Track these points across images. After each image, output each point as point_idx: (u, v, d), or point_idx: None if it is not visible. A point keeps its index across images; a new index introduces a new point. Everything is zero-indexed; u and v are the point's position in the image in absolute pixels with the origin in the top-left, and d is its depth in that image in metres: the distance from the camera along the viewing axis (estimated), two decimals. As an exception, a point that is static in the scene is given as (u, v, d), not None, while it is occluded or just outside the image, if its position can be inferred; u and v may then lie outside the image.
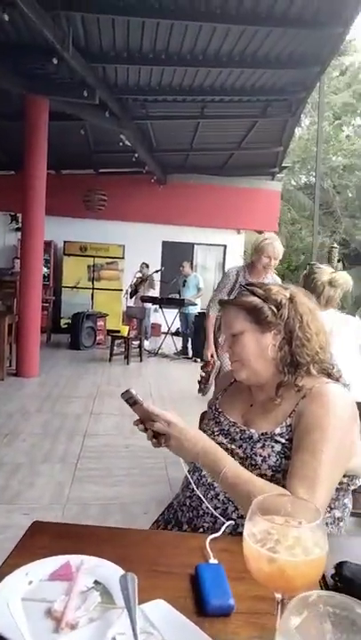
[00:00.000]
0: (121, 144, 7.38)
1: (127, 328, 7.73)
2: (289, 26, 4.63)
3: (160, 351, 8.46)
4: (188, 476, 1.14)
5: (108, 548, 0.90)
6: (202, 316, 6.75)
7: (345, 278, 2.28)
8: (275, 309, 1.17)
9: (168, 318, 8.71)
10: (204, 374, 3.33)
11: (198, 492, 1.13)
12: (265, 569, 0.59)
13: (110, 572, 0.79)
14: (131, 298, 8.95)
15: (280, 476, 1.05)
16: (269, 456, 1.08)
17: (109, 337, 8.02)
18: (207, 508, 1.12)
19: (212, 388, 3.17)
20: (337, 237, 18.51)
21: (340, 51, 19.08)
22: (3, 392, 5.33)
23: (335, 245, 5.15)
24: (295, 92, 6.31)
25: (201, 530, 1.11)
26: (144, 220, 10.48)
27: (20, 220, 7.06)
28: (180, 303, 8.51)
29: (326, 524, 1.10)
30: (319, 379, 1.14)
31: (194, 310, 8.48)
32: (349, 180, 18.67)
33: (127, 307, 8.99)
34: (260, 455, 1.09)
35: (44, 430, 4.18)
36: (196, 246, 11.18)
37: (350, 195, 19.01)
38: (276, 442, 1.09)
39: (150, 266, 9.29)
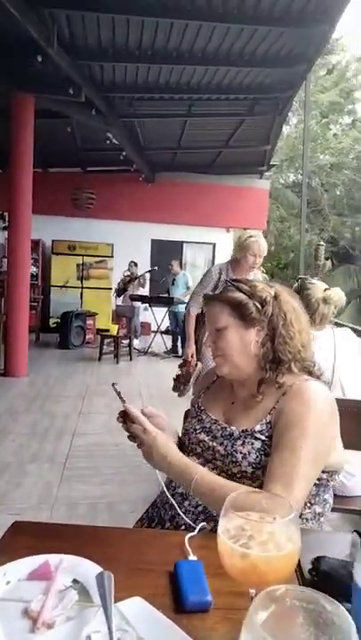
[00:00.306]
0: (108, 142, 7.36)
1: (116, 327, 7.72)
2: (274, 24, 4.64)
3: (150, 350, 8.45)
4: (160, 479, 1.14)
5: (88, 546, 0.90)
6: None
7: (339, 295, 2.20)
8: (259, 306, 1.18)
9: (158, 317, 8.71)
10: (181, 372, 3.28)
11: (169, 495, 1.14)
12: (238, 564, 0.60)
13: (89, 570, 0.79)
14: (118, 296, 8.93)
15: (260, 472, 1.06)
16: (249, 453, 1.09)
17: (99, 336, 7.99)
18: (189, 505, 1.13)
19: (191, 391, 3.13)
20: (325, 235, 18.63)
21: (327, 49, 19.24)
22: (-9, 392, 5.30)
23: (322, 243, 5.18)
24: (282, 90, 6.32)
25: (183, 527, 1.11)
26: (133, 218, 10.46)
27: (7, 219, 7.00)
28: (169, 302, 8.51)
29: (307, 519, 1.11)
30: (300, 376, 1.15)
31: (183, 309, 8.49)
32: (337, 179, 18.79)
33: (116, 305, 8.96)
34: (241, 452, 1.10)
35: (32, 430, 4.16)
36: (185, 245, 11.18)
37: (338, 193, 19.14)
38: (257, 439, 1.10)
39: (139, 264, 9.28)
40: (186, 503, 1.14)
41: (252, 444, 1.10)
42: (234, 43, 5.12)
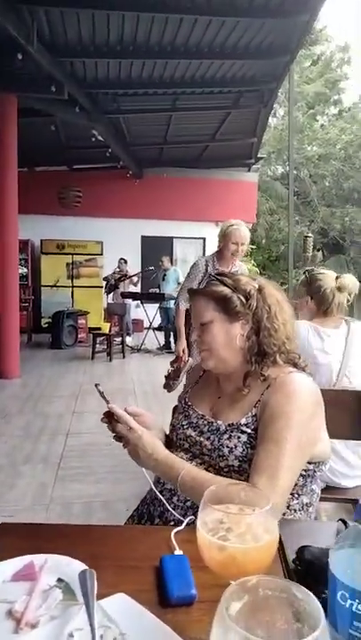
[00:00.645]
0: (94, 139, 7.32)
1: (108, 325, 7.70)
2: (255, 15, 4.63)
3: (143, 347, 8.45)
4: (147, 476, 1.15)
5: (75, 545, 0.90)
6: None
7: (353, 281, 2.08)
8: (243, 299, 1.18)
9: (150, 313, 8.70)
10: (172, 369, 3.28)
11: (157, 492, 1.14)
12: (216, 557, 0.60)
13: (75, 569, 0.79)
14: (108, 293, 8.90)
15: (247, 465, 1.07)
16: (236, 446, 1.09)
17: (91, 335, 7.97)
18: (178, 500, 1.13)
19: (182, 385, 3.11)
20: (315, 227, 18.69)
21: (311, 40, 19.23)
22: (-17, 395, 5.28)
23: (310, 235, 5.19)
24: (266, 82, 6.32)
25: (172, 523, 1.11)
26: (121, 215, 10.43)
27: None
28: (160, 298, 8.50)
29: (295, 510, 1.11)
30: (284, 368, 1.15)
31: (174, 304, 8.48)
32: (325, 170, 18.82)
33: (108, 303, 8.95)
34: (227, 446, 1.10)
35: (25, 431, 4.15)
36: (175, 240, 11.17)
37: (327, 184, 19.19)
38: (243, 432, 1.10)
39: (129, 261, 9.26)
40: (175, 499, 1.14)
41: (239, 437, 1.10)
42: (216, 35, 5.10)
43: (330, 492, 1.96)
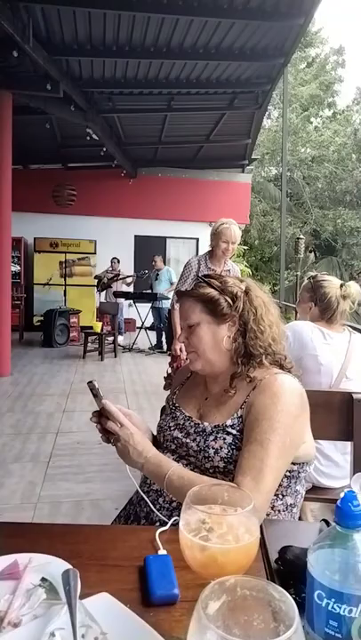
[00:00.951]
0: (88, 138, 7.30)
1: (100, 324, 7.69)
2: (250, 17, 4.66)
3: (135, 346, 8.44)
4: (131, 476, 1.15)
5: (59, 544, 0.90)
6: (174, 310, 6.74)
7: (356, 289, 2.09)
8: (230, 301, 1.19)
9: (142, 313, 8.70)
10: (172, 369, 3.30)
11: (142, 493, 1.15)
12: (198, 557, 0.61)
13: (59, 568, 0.79)
14: (101, 292, 8.89)
15: (232, 467, 1.07)
16: (221, 448, 1.10)
17: (83, 333, 7.96)
18: (163, 502, 1.14)
19: None
20: (308, 228, 18.75)
21: (306, 42, 19.31)
22: (-27, 393, 5.25)
23: (301, 236, 5.21)
24: (260, 84, 6.35)
25: (158, 524, 1.12)
26: (115, 214, 10.41)
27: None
28: (152, 298, 8.49)
29: (279, 511, 1.12)
30: (270, 370, 1.16)
31: (167, 304, 8.49)
32: (318, 172, 18.90)
33: (100, 302, 8.93)
34: (213, 447, 1.11)
35: (15, 430, 4.14)
36: (168, 240, 11.17)
37: (320, 186, 19.27)
38: (228, 433, 1.11)
39: (122, 261, 9.25)
40: (160, 500, 1.15)
41: (224, 438, 1.11)
42: (211, 37, 5.12)
43: (317, 492, 1.98)
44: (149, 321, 8.93)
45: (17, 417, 4.49)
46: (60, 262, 10.11)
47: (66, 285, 10.11)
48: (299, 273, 5.63)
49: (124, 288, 8.98)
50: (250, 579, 0.48)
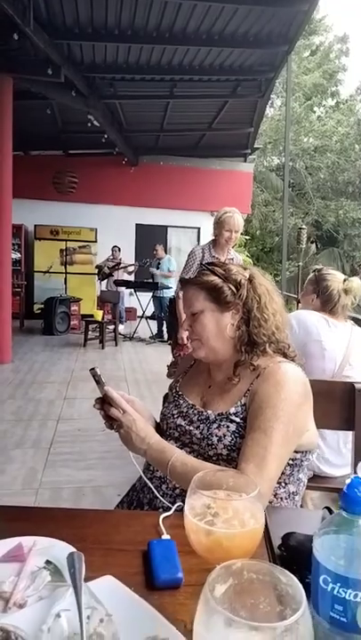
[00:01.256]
0: (90, 124, 7.24)
1: (101, 312, 7.69)
2: (254, 3, 4.59)
3: (135, 335, 8.45)
4: (135, 462, 1.15)
5: (64, 528, 0.91)
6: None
7: (359, 284, 2.10)
8: (234, 289, 1.18)
9: (143, 302, 8.69)
10: (175, 357, 3.32)
11: (145, 479, 1.15)
12: (203, 541, 0.61)
13: (63, 551, 0.80)
14: (102, 281, 8.87)
15: (235, 454, 1.08)
16: (225, 436, 1.10)
17: (84, 322, 7.96)
18: (167, 488, 1.14)
19: None
20: (309, 219, 18.66)
21: (310, 30, 19.04)
22: (-26, 380, 5.26)
23: (303, 227, 5.17)
24: (263, 71, 6.27)
25: (161, 510, 1.13)
26: (116, 202, 10.36)
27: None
28: (153, 287, 8.48)
29: (281, 498, 1.13)
30: (274, 358, 1.16)
31: (168, 294, 8.47)
32: (321, 162, 18.76)
33: (101, 291, 8.92)
34: (216, 435, 1.11)
35: (16, 416, 4.16)
36: (169, 229, 11.12)
37: (322, 176, 19.13)
38: (232, 421, 1.11)
39: (123, 249, 9.21)
40: (164, 486, 1.15)
41: (228, 426, 1.11)
42: (214, 22, 5.05)
43: (318, 480, 1.99)
44: (150, 310, 8.92)
45: (18, 404, 4.51)
46: (61, 250, 10.07)
47: (66, 273, 10.08)
48: (301, 264, 5.60)
49: (126, 277, 8.97)
50: (257, 562, 0.48)
